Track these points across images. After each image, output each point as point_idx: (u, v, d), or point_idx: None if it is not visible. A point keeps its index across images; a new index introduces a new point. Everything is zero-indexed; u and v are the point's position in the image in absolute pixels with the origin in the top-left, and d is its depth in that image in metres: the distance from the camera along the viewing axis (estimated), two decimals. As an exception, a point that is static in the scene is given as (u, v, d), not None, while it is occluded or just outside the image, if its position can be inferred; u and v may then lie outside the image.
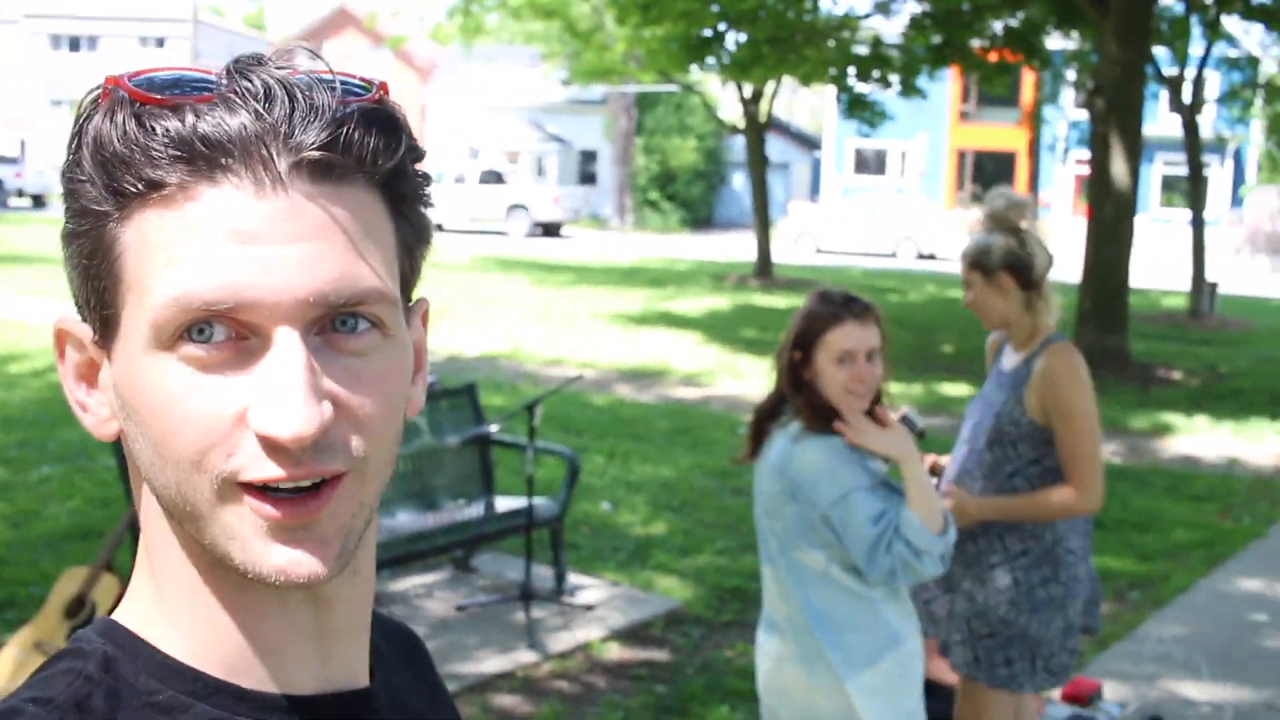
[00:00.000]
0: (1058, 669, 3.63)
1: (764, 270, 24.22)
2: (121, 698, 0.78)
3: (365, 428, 0.77)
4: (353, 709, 0.85)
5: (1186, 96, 20.61)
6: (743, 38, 20.15)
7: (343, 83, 0.77)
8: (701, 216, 44.38)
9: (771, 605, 3.23)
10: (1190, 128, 20.60)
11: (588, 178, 44.48)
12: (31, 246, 24.92)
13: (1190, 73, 20.92)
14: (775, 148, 29.89)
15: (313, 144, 0.74)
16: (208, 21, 55.61)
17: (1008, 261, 3.58)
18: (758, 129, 23.82)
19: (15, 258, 22.51)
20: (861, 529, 2.96)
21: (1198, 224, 20.62)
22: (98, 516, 7.24)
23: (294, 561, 0.76)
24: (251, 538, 0.76)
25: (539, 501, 6.23)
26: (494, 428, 6.24)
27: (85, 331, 0.81)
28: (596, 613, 6.15)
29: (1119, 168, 13.95)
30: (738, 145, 34.96)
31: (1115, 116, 13.96)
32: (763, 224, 24.18)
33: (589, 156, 44.74)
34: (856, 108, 22.66)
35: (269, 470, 0.74)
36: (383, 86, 0.80)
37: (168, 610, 0.82)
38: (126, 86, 0.75)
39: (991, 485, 3.64)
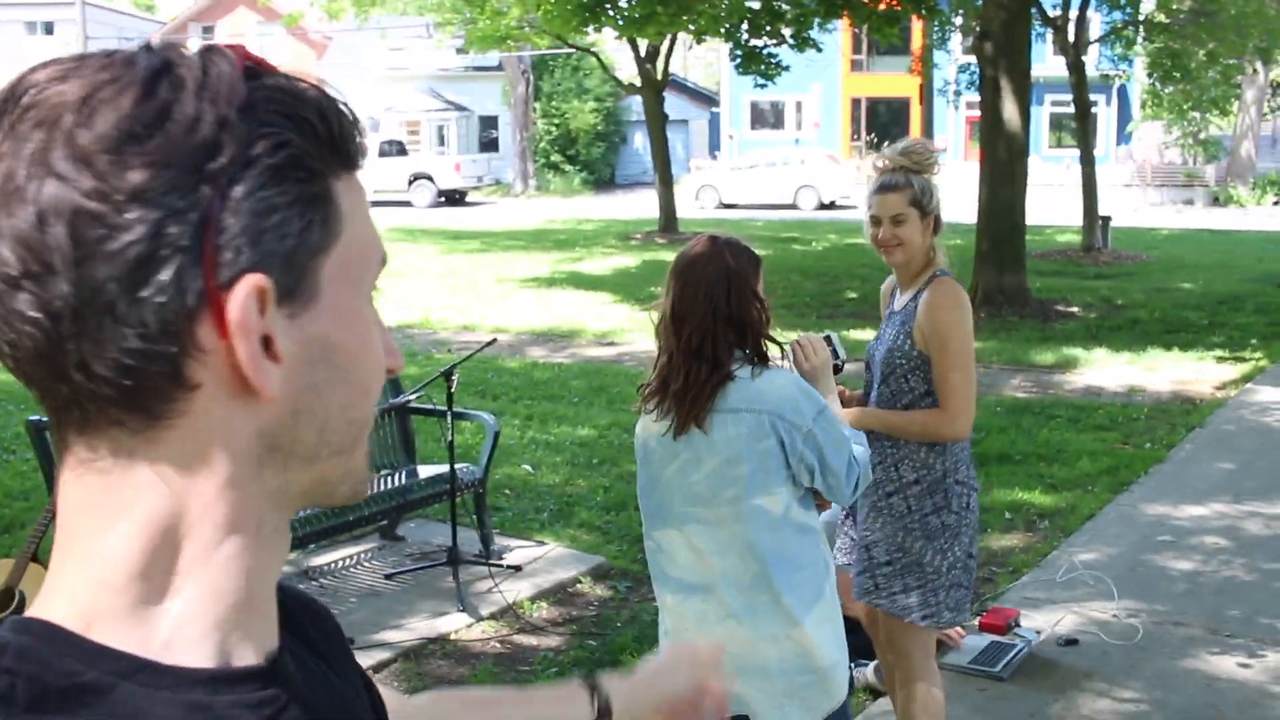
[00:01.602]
0: (955, 604, 3.77)
1: (669, 226, 24.32)
2: (46, 683, 0.75)
3: None
4: (274, 676, 0.84)
5: (1071, 36, 21.00)
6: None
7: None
8: (604, 177, 44.36)
9: (689, 568, 3.21)
10: (1076, 67, 20.98)
11: (489, 144, 44.21)
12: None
13: (1073, 14, 21.30)
14: (673, 105, 29.91)
15: (360, 143, 0.86)
16: (96, 3, 54.17)
17: (938, 207, 3.79)
18: (655, 87, 23.86)
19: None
20: (840, 437, 3.10)
21: (1087, 161, 21.07)
22: (17, 508, 7.16)
23: (366, 479, 0.91)
24: (363, 465, 0.89)
25: (461, 467, 6.28)
26: (412, 396, 6.28)
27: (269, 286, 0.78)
28: (524, 573, 6.23)
29: (1009, 110, 14.21)
30: (636, 104, 34.93)
31: (1003, 60, 14.20)
32: (665, 181, 24.27)
33: (489, 123, 44.45)
34: (751, 62, 22.74)
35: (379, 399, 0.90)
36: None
37: (95, 598, 0.79)
38: (270, 65, 0.83)
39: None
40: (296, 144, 0.78)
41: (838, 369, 3.57)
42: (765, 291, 3.17)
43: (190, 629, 0.79)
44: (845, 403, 3.89)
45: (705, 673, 1.48)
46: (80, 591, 0.79)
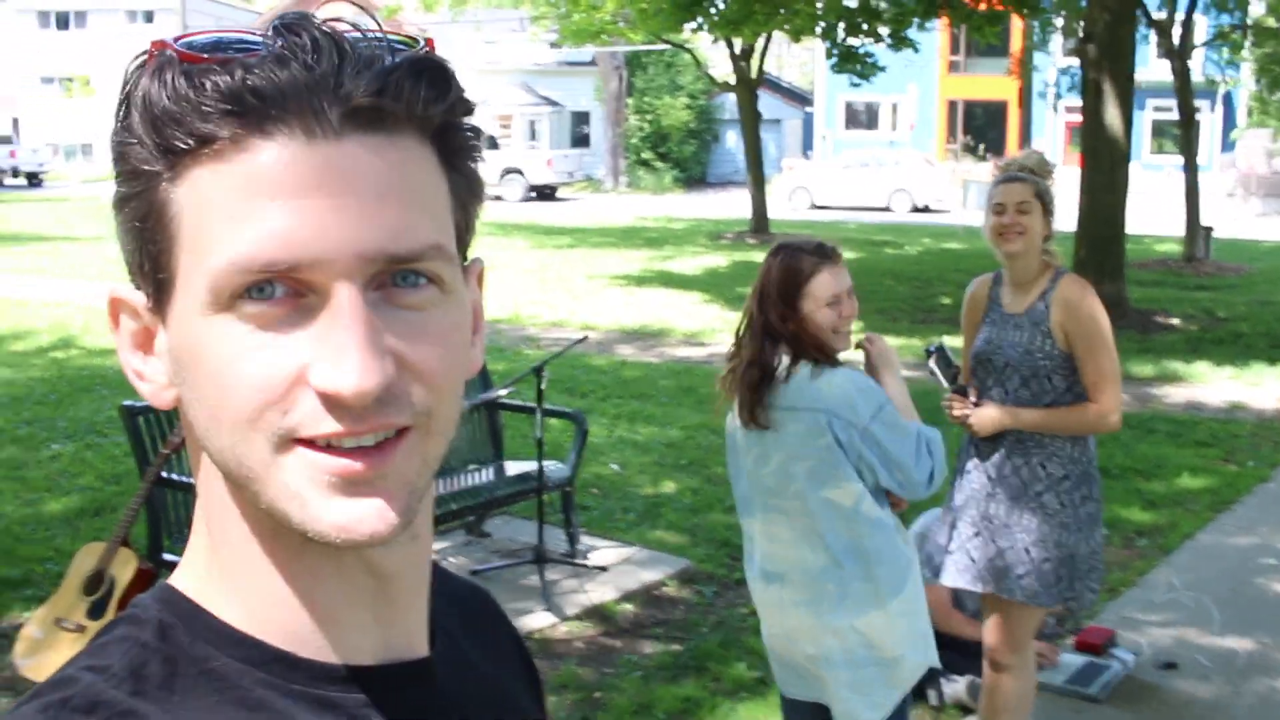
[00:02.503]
0: (1095, 585, 3.96)
1: (760, 227, 24.18)
2: (178, 665, 0.77)
3: (428, 381, 0.76)
4: (412, 679, 0.84)
5: (1176, 40, 20.53)
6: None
7: (390, 39, 0.77)
8: (695, 175, 44.25)
9: (769, 557, 3.37)
10: (1180, 72, 20.52)
11: (581, 140, 44.29)
12: (28, 225, 24.89)
13: (1179, 16, 20.83)
14: (767, 104, 29.71)
15: (364, 92, 0.73)
16: (195, -6, 55.15)
17: (1048, 203, 3.89)
18: (749, 86, 23.73)
19: (12, 237, 22.48)
20: (905, 430, 3.18)
21: (1190, 169, 20.58)
22: (109, 492, 7.27)
23: (356, 519, 0.73)
24: (311, 494, 0.73)
25: (549, 464, 6.26)
26: (503, 391, 6.26)
27: (139, 299, 0.79)
28: (610, 574, 6.19)
29: (1111, 115, 13.91)
30: (729, 103, 34.79)
31: (1106, 63, 13.90)
32: (757, 181, 24.13)
33: (581, 118, 44.53)
34: (847, 61, 22.55)
35: (328, 426, 0.73)
36: (429, 42, 0.79)
37: (225, 577, 0.81)
38: (173, 47, 0.74)
39: None
40: (129, 145, 0.76)
41: (954, 378, 3.91)
42: (822, 297, 3.24)
43: (301, 620, 0.80)
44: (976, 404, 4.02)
45: None
46: (208, 563, 0.83)
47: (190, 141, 0.73)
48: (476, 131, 0.82)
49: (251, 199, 0.72)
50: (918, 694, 4.94)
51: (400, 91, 0.74)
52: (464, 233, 0.82)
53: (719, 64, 28.25)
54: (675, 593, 6.05)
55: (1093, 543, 3.92)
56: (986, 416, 3.89)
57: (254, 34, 0.75)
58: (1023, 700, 4.10)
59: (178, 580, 0.83)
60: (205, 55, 0.73)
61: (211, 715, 0.75)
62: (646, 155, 42.76)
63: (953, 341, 4.43)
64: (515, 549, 6.53)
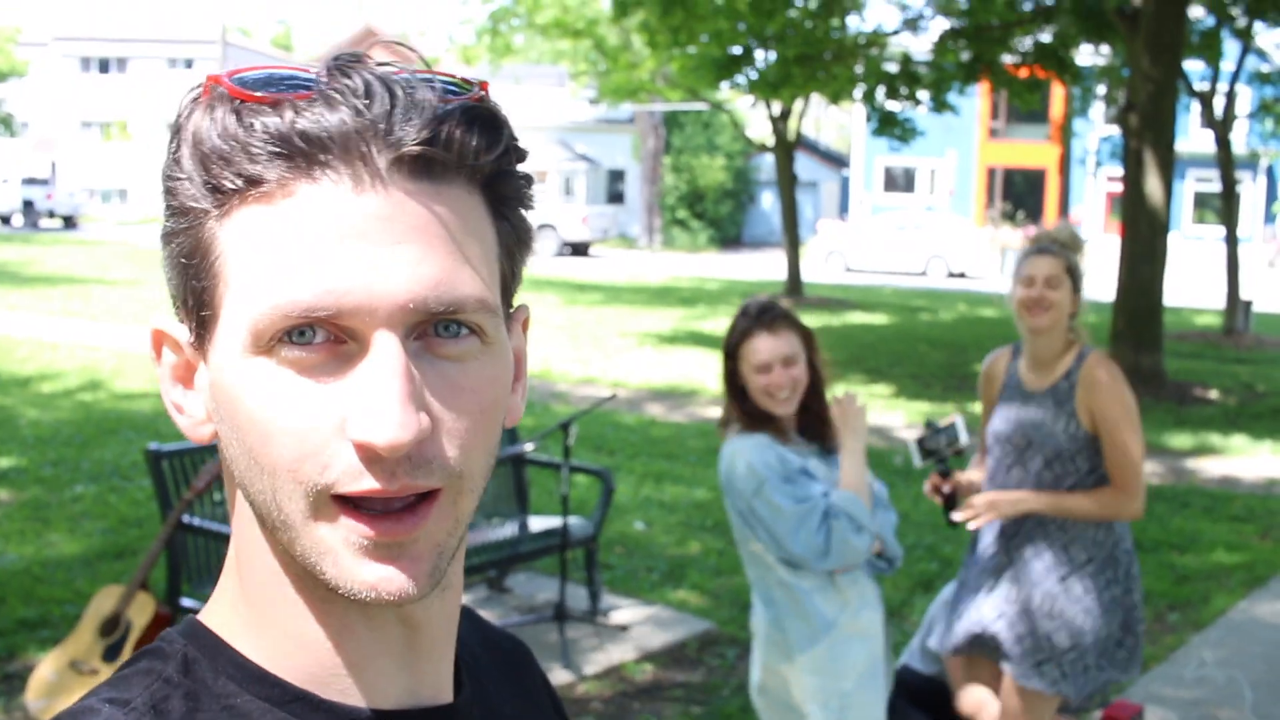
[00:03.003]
0: (1121, 661, 3.84)
1: (794, 289, 24.16)
2: (200, 701, 0.77)
3: (462, 441, 0.75)
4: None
5: (1218, 111, 20.48)
6: (772, 56, 20.15)
7: (443, 81, 0.76)
8: (730, 235, 44.37)
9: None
10: (1223, 143, 20.45)
11: (616, 197, 44.52)
12: (62, 267, 25.16)
13: (1222, 87, 20.79)
14: (804, 166, 29.82)
15: (413, 140, 0.72)
16: (235, 43, 55.98)
17: (1077, 278, 3.80)
18: (786, 147, 23.80)
19: (47, 278, 22.70)
20: (783, 509, 3.21)
21: (1231, 241, 20.46)
22: (131, 535, 7.25)
23: (385, 579, 0.74)
24: (344, 553, 0.74)
25: (573, 521, 6.20)
26: (529, 446, 6.22)
27: (182, 333, 0.80)
28: (631, 633, 6.11)
29: (1153, 184, 13.84)
30: (766, 163, 34.98)
31: (1148, 133, 13.86)
32: (792, 243, 24.14)
33: (617, 175, 44.79)
34: (886, 125, 22.60)
35: (365, 484, 0.72)
36: (483, 85, 0.79)
37: (254, 616, 0.81)
38: (225, 83, 0.74)
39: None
40: (178, 180, 0.76)
41: (960, 453, 3.91)
42: (753, 361, 3.32)
43: (326, 663, 0.80)
44: (966, 489, 4.03)
45: None
46: (230, 602, 0.83)
47: (238, 182, 0.73)
48: (528, 179, 0.81)
49: (296, 244, 0.72)
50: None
51: (451, 140, 0.74)
52: (510, 281, 0.82)
53: (757, 124, 28.43)
54: (696, 654, 5.96)
55: (1114, 625, 3.81)
56: (999, 501, 3.80)
57: (307, 71, 0.75)
58: None
59: (206, 616, 0.83)
60: (257, 93, 0.73)
61: None
62: (682, 214, 42.92)
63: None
64: (536, 605, 6.46)
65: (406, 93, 0.73)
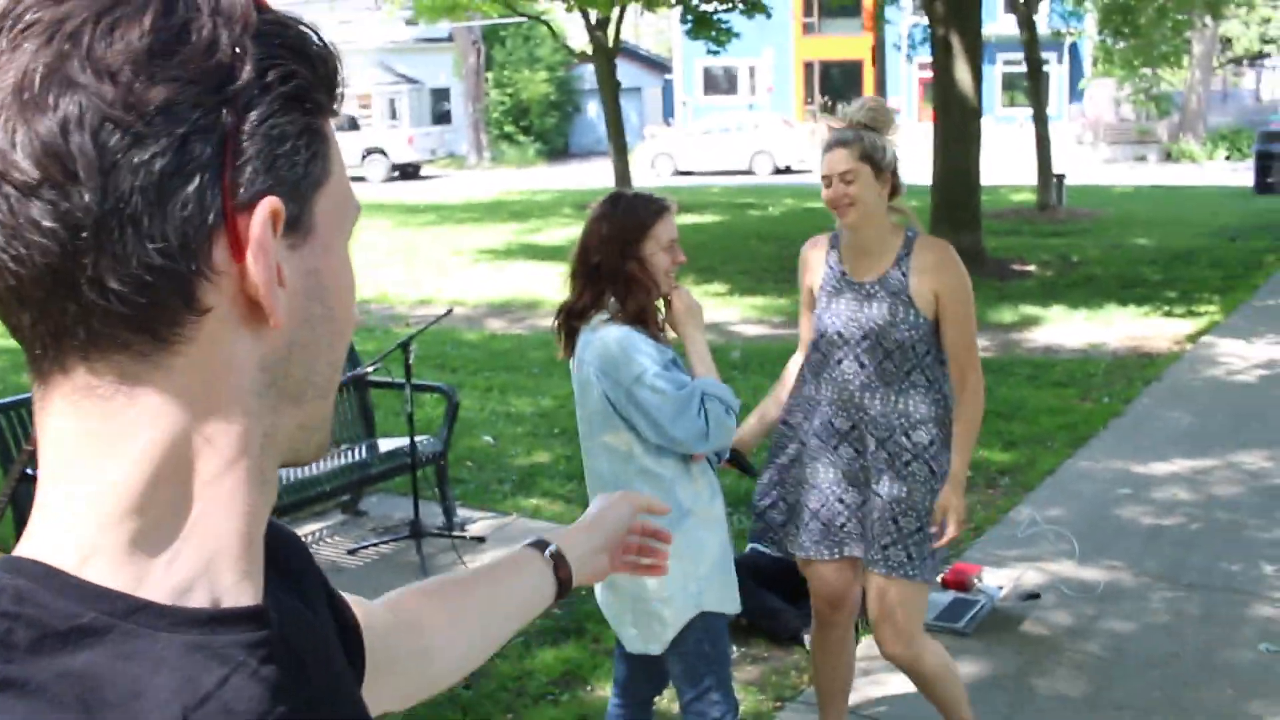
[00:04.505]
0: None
1: (624, 196, 24.17)
2: (45, 626, 0.74)
3: None
4: (263, 617, 0.83)
5: (1022, -5, 21.01)
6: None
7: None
8: (558, 147, 44.16)
9: (590, 486, 3.58)
10: (1027, 25, 21.01)
11: (442, 116, 43.85)
12: None
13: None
14: (626, 73, 29.71)
15: (346, 84, 0.85)
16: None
17: (894, 164, 3.62)
18: (607, 55, 23.69)
19: None
20: (666, 394, 3.27)
21: (1040, 119, 21.12)
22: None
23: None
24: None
25: (421, 439, 6.25)
26: (370, 368, 6.24)
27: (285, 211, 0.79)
28: (488, 544, 6.21)
29: (961, 70, 14.20)
30: (588, 73, 34.70)
31: (954, 19, 14.17)
32: (619, 150, 24.13)
33: (441, 95, 44.08)
34: (702, 27, 22.66)
35: None
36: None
37: (89, 538, 0.77)
38: (267, 4, 0.81)
39: (892, 390, 3.67)
40: (303, 76, 0.79)
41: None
42: (664, 239, 3.36)
43: (187, 568, 0.79)
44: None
45: (640, 507, 1.64)
46: (74, 526, 0.78)
47: (340, 102, 0.83)
48: None
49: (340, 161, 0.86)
50: (793, 639, 5.07)
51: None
52: None
53: (576, 34, 28.18)
54: (554, 558, 6.08)
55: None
56: (956, 503, 3.65)
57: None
58: (947, 668, 3.93)
59: (22, 550, 0.79)
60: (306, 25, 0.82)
61: (87, 668, 0.74)
62: (509, 129, 42.56)
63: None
64: (392, 525, 6.52)
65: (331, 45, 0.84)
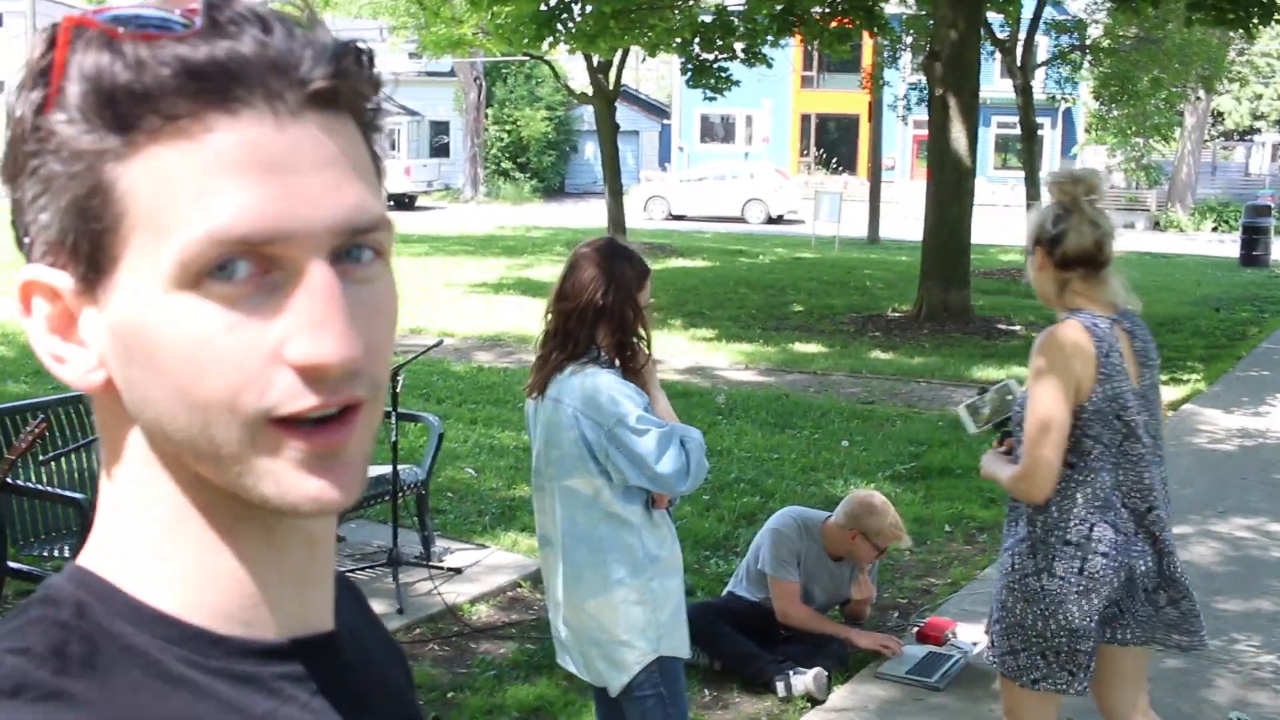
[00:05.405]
0: (1076, 669, 3.39)
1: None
2: (98, 642, 0.76)
3: (379, 355, 0.78)
4: (325, 652, 0.85)
5: (1019, 59, 21.24)
6: (589, 8, 20.14)
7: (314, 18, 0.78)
8: (554, 185, 44.34)
9: (542, 523, 3.61)
10: (1023, 90, 21.22)
11: (440, 149, 44.04)
12: None
13: (1022, 37, 21.55)
14: (625, 116, 29.92)
15: (322, 75, 0.75)
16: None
17: (1037, 236, 3.53)
18: (607, 98, 23.86)
19: None
20: (652, 434, 3.31)
21: (1032, 182, 21.29)
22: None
23: (323, 488, 0.76)
24: (285, 472, 0.75)
25: (404, 468, 6.26)
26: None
27: (60, 280, 0.77)
28: (465, 576, 6.22)
29: (957, 130, 14.34)
30: (588, 114, 34.90)
31: (952, 81, 14.33)
32: (615, 191, 24.26)
33: (440, 128, 44.29)
34: (702, 75, 22.82)
35: (307, 400, 0.74)
36: (313, 15, 0.81)
37: (147, 559, 0.80)
38: (99, 24, 0.74)
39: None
40: (60, 125, 0.73)
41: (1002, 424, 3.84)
42: (648, 295, 3.47)
43: (239, 598, 0.81)
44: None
45: None
46: (135, 547, 0.81)
47: (153, 119, 0.72)
48: (381, 111, 0.85)
49: (222, 175, 0.72)
50: (766, 686, 5.08)
51: (350, 75, 0.77)
52: None
53: (577, 76, 28.40)
54: (529, 594, 6.10)
55: (1051, 624, 3.36)
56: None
57: (169, 13, 0.74)
58: None
59: (88, 562, 0.82)
60: (151, 31, 0.73)
61: (135, 691, 0.76)
62: (506, 165, 42.75)
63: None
64: (370, 552, 6.51)
65: (297, 27, 0.76)
